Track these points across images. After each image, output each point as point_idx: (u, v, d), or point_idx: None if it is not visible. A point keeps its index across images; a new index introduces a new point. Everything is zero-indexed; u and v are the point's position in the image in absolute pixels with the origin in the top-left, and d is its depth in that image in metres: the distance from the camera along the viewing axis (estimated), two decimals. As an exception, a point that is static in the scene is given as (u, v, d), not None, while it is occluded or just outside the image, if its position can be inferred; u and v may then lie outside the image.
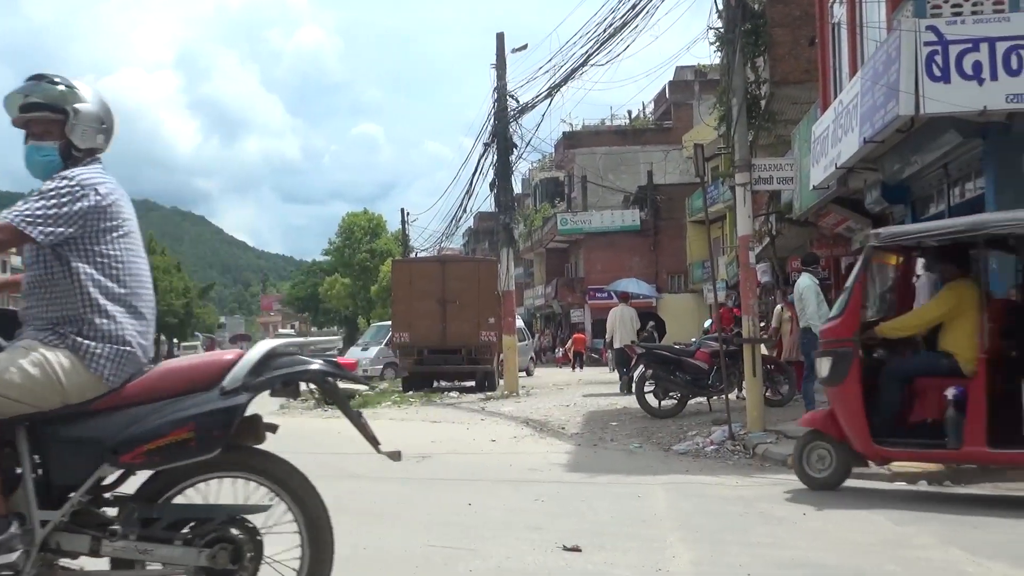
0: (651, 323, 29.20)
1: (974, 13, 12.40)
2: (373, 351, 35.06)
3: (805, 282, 14.14)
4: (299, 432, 13.04)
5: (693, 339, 20.37)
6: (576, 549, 6.61)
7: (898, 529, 7.26)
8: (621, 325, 22.93)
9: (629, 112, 63.87)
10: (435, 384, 27.01)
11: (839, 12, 17.84)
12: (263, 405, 4.31)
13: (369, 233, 78.71)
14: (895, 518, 7.70)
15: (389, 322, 30.21)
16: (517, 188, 48.81)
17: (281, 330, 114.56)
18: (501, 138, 27.70)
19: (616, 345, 23.34)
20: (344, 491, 9.74)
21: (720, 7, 13.77)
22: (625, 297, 25.04)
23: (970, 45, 12.05)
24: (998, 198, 13.37)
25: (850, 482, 9.47)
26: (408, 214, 54.45)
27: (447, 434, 15.51)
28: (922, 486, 9.35)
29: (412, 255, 48.88)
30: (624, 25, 17.67)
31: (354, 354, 38.06)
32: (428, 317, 25.48)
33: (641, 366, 16.87)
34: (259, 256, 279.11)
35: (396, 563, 6.38)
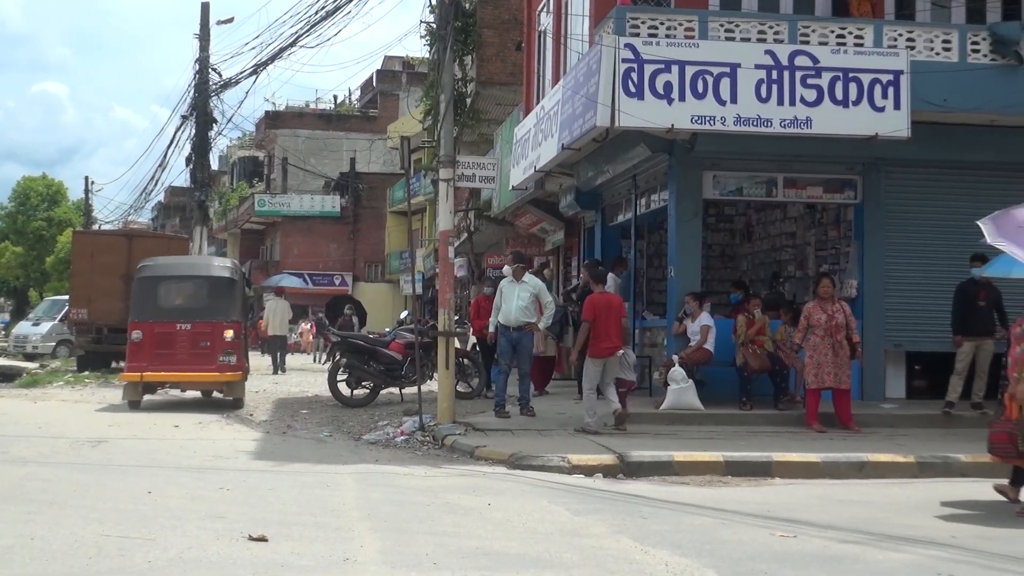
0: (348, 307, 29.07)
1: (668, 36, 13.24)
2: (45, 327, 32.76)
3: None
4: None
5: (388, 329, 20.49)
6: (262, 539, 6.47)
7: (575, 519, 7.63)
8: (275, 316, 26.63)
9: (335, 97, 63.38)
10: (114, 365, 25.57)
11: (546, 21, 18.52)
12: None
13: (47, 200, 73.21)
14: (573, 508, 8.08)
15: (66, 296, 28.30)
16: (214, 165, 47.14)
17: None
18: (201, 112, 26.70)
19: (271, 333, 26.94)
20: (8, 477, 9.04)
21: (433, 3, 13.90)
22: (280, 291, 28.17)
23: (663, 66, 12.88)
24: (679, 210, 14.39)
25: (533, 474, 9.86)
26: (93, 183, 51.38)
27: (127, 418, 14.73)
28: (598, 479, 9.86)
29: (95, 227, 46.12)
30: (336, 10, 17.51)
31: (23, 329, 35.42)
32: (110, 294, 24.03)
33: (336, 354, 16.79)
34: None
35: (66, 554, 5.98)
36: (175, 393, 17.89)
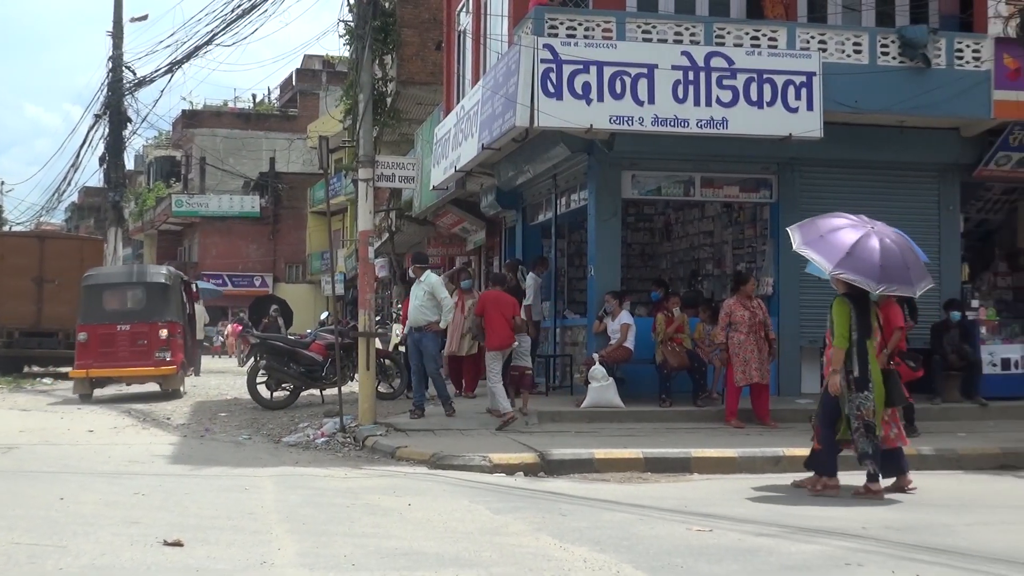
0: (274, 307, 28.77)
1: (586, 37, 13.33)
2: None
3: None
4: None
5: (309, 330, 20.31)
6: (178, 544, 6.37)
7: (496, 518, 7.64)
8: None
9: (254, 96, 62.57)
10: (26, 369, 24.94)
11: (465, 20, 18.53)
12: None
13: (-45, 201, 71.13)
14: (494, 507, 8.10)
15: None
16: (130, 164, 46.19)
17: None
18: (114, 111, 26.18)
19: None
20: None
21: (352, 2, 13.81)
22: (196, 296, 27.60)
23: (581, 66, 12.97)
24: (598, 210, 14.51)
25: (454, 474, 9.87)
26: (3, 183, 50.04)
27: (38, 423, 14.41)
28: (519, 477, 9.89)
29: (6, 228, 44.95)
30: (253, 8, 17.33)
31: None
32: (21, 296, 23.47)
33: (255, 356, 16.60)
34: None
35: (-28, 564, 5.83)
36: (128, 389, 19.64)
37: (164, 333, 18.40)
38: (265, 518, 7.59)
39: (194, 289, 25.77)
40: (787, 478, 9.72)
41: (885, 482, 8.65)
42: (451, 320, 14.30)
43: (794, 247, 9.14)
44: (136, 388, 19.74)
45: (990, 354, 14.57)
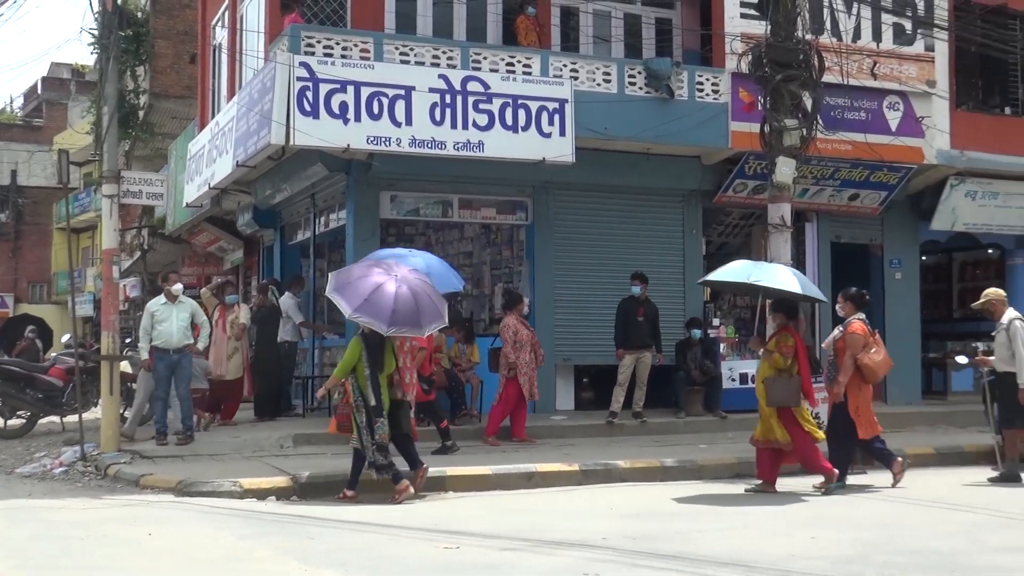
0: (31, 328, 26.81)
1: (344, 56, 13.29)
2: None
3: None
4: None
5: (53, 354, 19.15)
6: None
7: (241, 544, 7.43)
8: None
9: (-6, 105, 58.63)
10: None
11: (221, 35, 18.05)
12: None
13: None
14: (240, 533, 7.87)
15: None
16: None
17: None
18: None
19: None
20: None
21: (96, 10, 13.20)
22: None
23: (338, 86, 12.91)
24: (356, 230, 14.43)
25: (202, 500, 9.53)
26: None
27: None
28: (271, 502, 9.67)
29: None
30: (-11, 10, 16.24)
31: None
32: None
33: None
34: None
35: None
36: None
37: None
38: (-12, 555, 7.08)
39: None
40: (540, 493, 9.97)
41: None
42: (212, 341, 13.90)
43: (327, 292, 9.92)
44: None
45: (730, 369, 15.46)
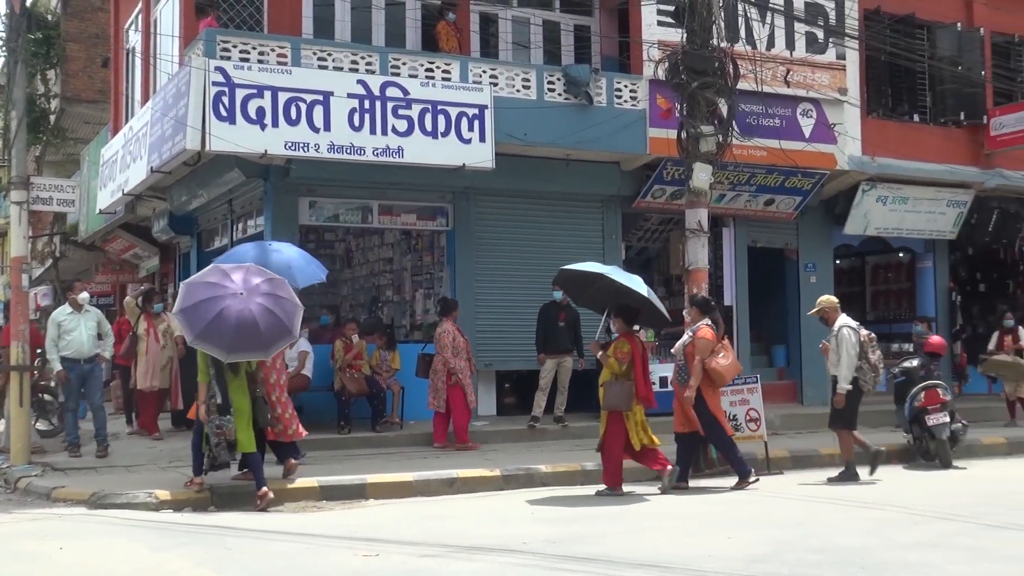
0: None
1: (260, 61, 13.14)
2: None
3: None
4: None
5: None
6: None
7: (154, 556, 7.30)
8: None
9: None
10: None
11: (135, 38, 17.74)
12: None
13: None
14: (155, 545, 7.73)
15: None
16: None
17: None
18: None
19: None
20: None
21: (3, 12, 12.89)
22: None
23: (255, 91, 12.76)
24: (275, 236, 14.24)
25: (116, 512, 9.34)
26: None
27: None
28: (187, 513, 9.50)
29: None
30: None
31: None
32: None
33: None
34: None
35: None
36: None
37: None
38: None
39: None
40: (461, 498, 9.96)
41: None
42: (143, 351, 13.76)
43: (173, 311, 10.05)
44: None
45: (650, 373, 15.57)
